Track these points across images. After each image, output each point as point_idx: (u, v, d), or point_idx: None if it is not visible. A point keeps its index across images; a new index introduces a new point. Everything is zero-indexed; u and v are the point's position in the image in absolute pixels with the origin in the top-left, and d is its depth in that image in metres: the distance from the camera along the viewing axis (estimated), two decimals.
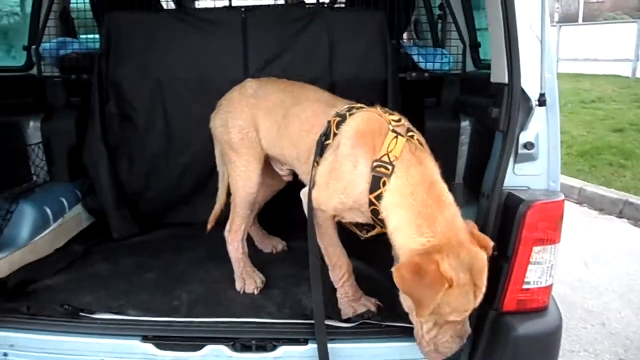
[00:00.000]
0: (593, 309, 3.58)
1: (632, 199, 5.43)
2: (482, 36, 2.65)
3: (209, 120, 2.60)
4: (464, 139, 2.62)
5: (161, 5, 2.87)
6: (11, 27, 2.90)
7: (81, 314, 1.96)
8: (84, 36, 3.07)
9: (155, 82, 2.68)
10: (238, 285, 2.21)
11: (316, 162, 1.91)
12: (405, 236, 1.65)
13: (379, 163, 1.73)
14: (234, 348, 1.84)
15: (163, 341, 1.86)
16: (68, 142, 2.76)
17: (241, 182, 2.25)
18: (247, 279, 2.22)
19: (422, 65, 2.69)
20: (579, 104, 10.15)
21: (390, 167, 1.71)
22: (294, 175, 2.39)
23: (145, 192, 2.84)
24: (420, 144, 1.80)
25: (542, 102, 1.67)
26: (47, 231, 2.51)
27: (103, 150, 2.69)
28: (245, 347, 1.84)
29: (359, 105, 1.93)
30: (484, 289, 1.59)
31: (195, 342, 1.86)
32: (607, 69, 15.22)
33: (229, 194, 2.43)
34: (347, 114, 1.90)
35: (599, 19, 25.07)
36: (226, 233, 2.30)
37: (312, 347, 1.83)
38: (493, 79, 1.83)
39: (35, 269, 2.31)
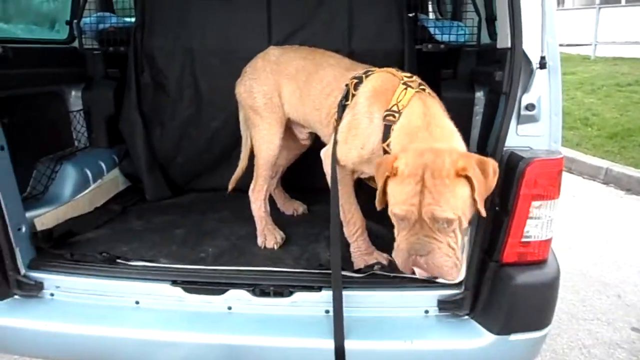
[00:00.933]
0: (610, 281, 3.63)
1: None
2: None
3: (234, 89, 2.77)
4: (478, 109, 2.70)
5: None
6: (55, 2, 3.10)
7: (118, 261, 2.18)
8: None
9: (185, 53, 2.86)
10: (259, 241, 2.38)
11: (337, 123, 2.05)
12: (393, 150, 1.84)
13: (389, 112, 1.90)
14: (254, 293, 2.01)
15: (190, 285, 2.05)
16: (107, 111, 2.98)
17: (264, 144, 2.41)
18: (268, 235, 2.38)
19: (438, 37, 2.78)
20: (615, 87, 9.91)
21: (397, 115, 1.88)
22: (314, 140, 2.55)
23: (175, 157, 3.04)
24: (431, 95, 1.94)
25: (542, 64, 1.76)
26: (87, 191, 2.74)
27: (138, 118, 2.90)
28: (264, 293, 2.01)
29: (375, 68, 2.07)
30: (437, 197, 1.62)
31: (218, 287, 2.04)
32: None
33: (250, 159, 2.60)
34: (364, 76, 2.05)
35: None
36: (250, 192, 2.48)
37: (325, 293, 1.98)
38: (499, 45, 1.93)
39: (77, 223, 2.53)
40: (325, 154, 2.15)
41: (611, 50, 14.51)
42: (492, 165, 1.71)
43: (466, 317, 1.96)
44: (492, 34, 2.74)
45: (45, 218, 2.38)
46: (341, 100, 2.09)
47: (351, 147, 2.01)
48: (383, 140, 1.90)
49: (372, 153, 1.96)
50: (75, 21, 2.91)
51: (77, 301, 2.09)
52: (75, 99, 2.94)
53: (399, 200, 1.68)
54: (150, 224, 2.63)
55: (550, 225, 1.86)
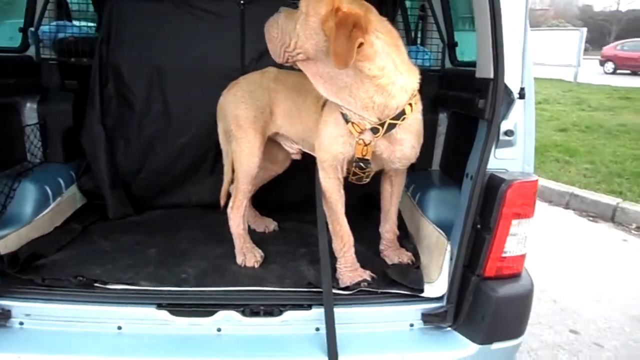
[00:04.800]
0: (546, 288, 3.95)
1: (577, 191, 5.93)
2: (458, 37, 2.91)
3: (205, 105, 2.75)
4: (441, 129, 2.88)
5: None
6: (8, 9, 2.92)
7: (95, 284, 2.09)
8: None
9: (154, 67, 2.80)
10: (239, 259, 2.37)
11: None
12: None
13: None
14: (244, 313, 2.00)
15: (177, 308, 2.01)
16: (64, 124, 2.83)
17: (245, 157, 2.41)
18: (247, 254, 2.38)
19: None
20: None
21: None
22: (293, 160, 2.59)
23: (139, 173, 2.95)
24: None
25: (522, 95, 1.93)
26: (47, 210, 2.58)
27: (101, 132, 2.79)
28: (254, 313, 2.01)
29: None
30: None
31: (207, 309, 2.01)
32: (551, 73, 16.14)
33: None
34: None
35: (542, 26, 26.32)
36: (229, 210, 2.46)
37: (315, 311, 2.02)
38: (478, 75, 2.07)
39: (41, 245, 2.38)
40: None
41: None
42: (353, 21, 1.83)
43: (449, 328, 2.08)
44: (453, 59, 2.94)
45: (9, 240, 2.23)
46: None
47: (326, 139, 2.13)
48: None
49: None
50: (31, 29, 2.75)
51: (51, 329, 1.98)
52: (29, 111, 2.77)
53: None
54: (118, 243, 2.53)
55: (525, 242, 2.03)
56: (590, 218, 5.60)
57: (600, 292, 3.96)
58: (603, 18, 46.52)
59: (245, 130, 2.40)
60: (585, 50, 21.24)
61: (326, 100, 2.14)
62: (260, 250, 2.42)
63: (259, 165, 2.45)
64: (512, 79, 1.93)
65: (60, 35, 2.81)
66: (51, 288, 2.04)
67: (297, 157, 2.57)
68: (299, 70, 2.10)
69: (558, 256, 4.53)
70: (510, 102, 1.96)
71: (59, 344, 1.93)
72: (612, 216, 5.50)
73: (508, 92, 1.94)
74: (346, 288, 2.14)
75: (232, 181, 2.60)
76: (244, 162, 2.42)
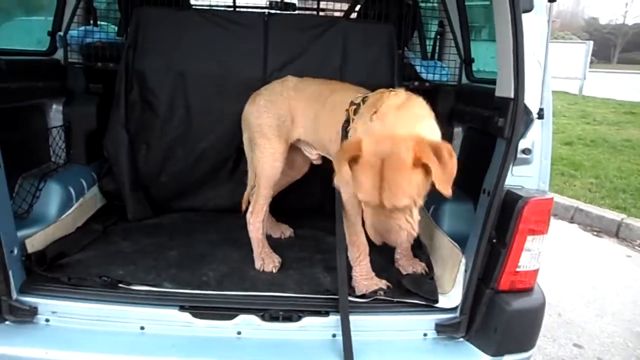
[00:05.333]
0: (551, 301, 4.00)
1: (582, 206, 5.99)
2: (475, 52, 2.98)
3: (226, 113, 2.82)
4: (456, 143, 2.94)
5: (189, 3, 3.04)
6: (37, 13, 2.99)
7: (120, 285, 2.15)
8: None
9: (178, 74, 2.86)
10: (257, 264, 2.43)
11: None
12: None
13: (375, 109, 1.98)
14: (264, 318, 2.06)
15: (199, 310, 2.07)
16: (88, 127, 2.89)
17: (268, 163, 2.47)
18: (266, 259, 2.44)
19: (423, 75, 2.99)
20: None
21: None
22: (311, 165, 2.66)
23: (159, 176, 3.01)
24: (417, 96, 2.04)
25: (541, 115, 2.00)
26: (71, 210, 2.64)
27: (124, 135, 2.86)
28: (273, 318, 2.06)
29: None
30: (395, 189, 1.73)
31: (228, 312, 2.07)
32: (557, 85, 16.18)
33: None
34: (361, 101, 2.17)
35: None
36: (248, 215, 2.52)
37: (332, 318, 2.08)
38: (498, 93, 2.14)
39: (64, 244, 2.44)
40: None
41: None
42: (446, 149, 1.80)
43: (461, 339, 2.13)
44: (469, 75, 3.00)
45: (35, 239, 2.29)
46: (344, 125, 2.20)
47: None
48: None
49: None
50: (59, 33, 2.82)
51: (76, 327, 2.04)
52: (55, 113, 2.84)
53: (360, 187, 1.80)
54: (139, 245, 2.59)
55: (539, 257, 2.09)
56: (595, 233, 5.66)
57: (604, 307, 4.01)
58: (609, 31, 46.68)
59: (268, 138, 2.47)
60: (591, 62, 21.31)
61: (353, 110, 2.19)
62: (277, 256, 2.48)
63: (281, 171, 2.51)
64: (531, 100, 2.00)
65: (88, 40, 2.88)
66: (76, 287, 2.10)
67: (318, 162, 2.63)
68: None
69: (563, 270, 4.58)
70: (529, 122, 2.02)
71: (84, 341, 1.99)
72: (616, 231, 5.55)
73: (527, 112, 2.01)
74: (362, 296, 2.19)
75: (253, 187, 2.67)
76: (266, 167, 2.48)
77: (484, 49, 3.02)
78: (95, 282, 2.13)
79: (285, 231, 2.86)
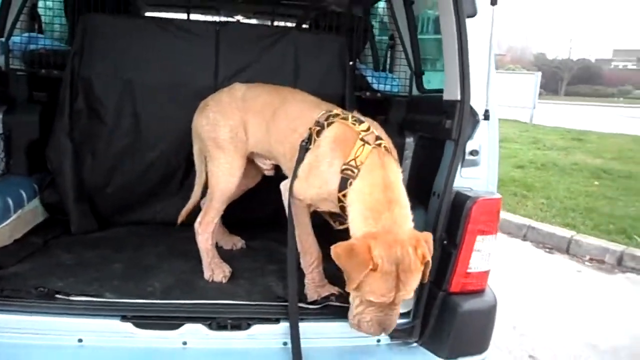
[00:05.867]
0: (505, 314, 4.03)
1: (534, 224, 6.15)
2: (424, 66, 3.05)
3: (175, 122, 2.76)
4: (408, 153, 2.97)
5: (139, 11, 2.99)
6: None
7: (57, 296, 2.02)
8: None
9: (126, 82, 2.78)
10: (207, 274, 2.34)
11: (298, 162, 2.13)
12: (356, 226, 1.93)
13: (347, 167, 1.99)
14: (211, 327, 1.97)
15: (142, 320, 1.96)
16: (29, 136, 2.76)
17: (223, 177, 2.39)
18: (216, 269, 2.36)
19: (375, 86, 3.03)
20: None
21: (355, 171, 1.97)
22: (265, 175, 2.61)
23: (105, 188, 2.88)
24: (388, 150, 2.07)
25: (486, 116, 2.04)
26: (8, 221, 2.49)
27: (68, 145, 2.74)
28: (221, 326, 1.98)
29: (335, 112, 2.17)
30: (408, 287, 1.83)
31: (173, 322, 1.98)
32: (508, 114, 16.82)
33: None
34: (326, 123, 2.13)
35: (500, 70, 27.54)
36: (197, 224, 2.43)
37: (283, 325, 2.01)
38: (446, 97, 2.18)
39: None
40: (284, 187, 2.22)
41: None
42: (431, 238, 1.92)
43: (415, 344, 2.10)
44: (420, 87, 3.06)
45: None
46: (303, 142, 2.15)
47: (310, 185, 2.11)
48: (339, 190, 2.00)
49: (329, 194, 2.06)
50: (1, 39, 2.71)
51: (8, 342, 1.89)
52: None
53: (376, 291, 1.82)
54: (82, 257, 2.46)
55: (489, 258, 2.10)
56: (547, 249, 5.80)
57: (557, 319, 4.08)
58: (556, 65, 49.22)
59: (224, 150, 2.40)
60: (540, 94, 22.30)
61: (311, 138, 2.15)
62: (228, 266, 2.40)
63: (237, 186, 2.44)
64: (477, 101, 2.04)
65: (32, 46, 2.78)
66: (9, 299, 1.96)
67: (271, 173, 2.57)
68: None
69: (517, 284, 4.64)
70: (475, 123, 2.06)
71: (17, 356, 1.86)
72: (567, 248, 5.70)
73: (474, 113, 2.05)
74: (314, 302, 2.14)
75: (197, 203, 2.61)
76: (221, 181, 2.40)
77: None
78: (31, 293, 2.00)
79: (237, 243, 2.79)
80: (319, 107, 2.26)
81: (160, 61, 2.80)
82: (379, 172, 1.97)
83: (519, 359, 3.48)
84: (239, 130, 2.42)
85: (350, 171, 1.98)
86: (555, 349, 3.64)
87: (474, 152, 2.08)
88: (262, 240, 2.85)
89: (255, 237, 2.87)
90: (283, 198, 2.22)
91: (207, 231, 2.42)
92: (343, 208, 2.01)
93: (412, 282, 1.84)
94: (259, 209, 2.90)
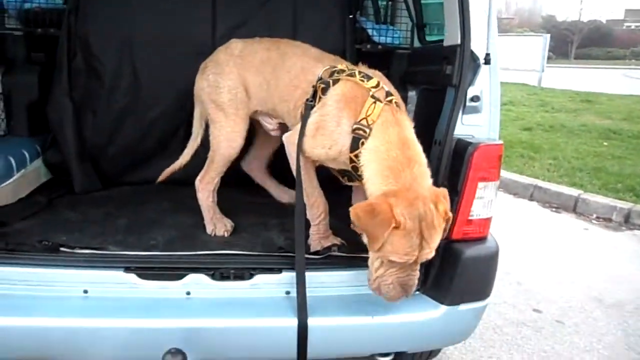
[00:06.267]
0: (511, 270, 4.05)
1: (541, 183, 6.11)
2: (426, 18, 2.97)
3: (175, 80, 2.73)
4: (410, 107, 2.92)
5: None
6: None
7: (62, 249, 2.04)
8: None
9: (124, 40, 2.76)
10: (209, 229, 2.35)
11: (303, 118, 2.07)
12: (374, 185, 1.87)
13: (358, 126, 1.92)
14: (214, 277, 1.99)
15: (145, 271, 1.99)
16: (29, 97, 2.76)
17: (225, 142, 2.36)
18: (218, 223, 2.36)
19: (375, 38, 2.98)
20: None
21: (367, 130, 1.91)
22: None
23: (107, 147, 2.89)
24: (398, 106, 1.99)
25: (487, 60, 2.00)
26: (11, 180, 2.52)
27: (69, 104, 2.73)
28: (224, 276, 2.00)
29: (340, 68, 2.10)
30: (432, 244, 1.78)
31: (176, 272, 2.00)
32: (516, 78, 16.57)
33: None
34: (331, 80, 2.05)
35: (507, 34, 27.02)
36: (197, 182, 2.43)
37: (285, 275, 2.02)
38: (446, 43, 2.13)
39: (2, 213, 2.32)
40: (288, 140, 2.18)
41: None
42: (447, 194, 1.88)
43: (417, 292, 2.11)
44: (422, 39, 3.00)
45: None
46: (308, 100, 2.08)
47: (318, 144, 2.05)
48: (351, 150, 1.95)
49: (339, 154, 2.01)
50: None
51: (15, 293, 1.92)
52: None
53: (399, 250, 1.77)
54: (86, 214, 2.48)
55: (491, 205, 2.09)
56: (554, 209, 5.78)
57: (562, 275, 4.09)
58: (565, 27, 48.14)
59: (226, 114, 2.35)
60: (549, 58, 21.88)
61: (316, 95, 2.09)
62: (230, 221, 2.41)
63: (239, 149, 2.40)
64: (478, 45, 2.00)
65: (27, 5, 2.75)
66: (15, 252, 1.99)
67: (277, 133, 2.47)
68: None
69: (523, 243, 4.66)
70: (476, 68, 2.02)
71: (23, 306, 1.89)
72: (574, 207, 5.68)
73: (474, 57, 2.01)
74: (317, 253, 2.15)
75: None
76: (222, 146, 2.37)
77: None
78: (36, 246, 2.03)
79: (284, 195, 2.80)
80: (322, 62, 2.19)
81: (157, 17, 2.76)
82: (394, 129, 1.92)
83: (523, 312, 3.50)
84: (238, 90, 2.36)
85: (362, 131, 1.92)
86: (560, 302, 3.66)
87: (475, 98, 2.05)
88: (264, 197, 2.86)
89: (259, 193, 2.88)
90: (287, 151, 2.19)
91: (207, 189, 2.42)
92: (355, 168, 1.97)
93: (436, 239, 1.80)
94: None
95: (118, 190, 2.87)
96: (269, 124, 2.50)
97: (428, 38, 2.97)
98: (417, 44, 2.96)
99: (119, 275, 1.97)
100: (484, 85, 2.06)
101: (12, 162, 2.54)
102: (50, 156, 2.86)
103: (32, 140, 2.82)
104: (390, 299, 1.88)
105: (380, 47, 2.97)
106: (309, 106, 2.08)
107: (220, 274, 2.00)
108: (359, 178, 1.98)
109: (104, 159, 2.91)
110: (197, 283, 1.99)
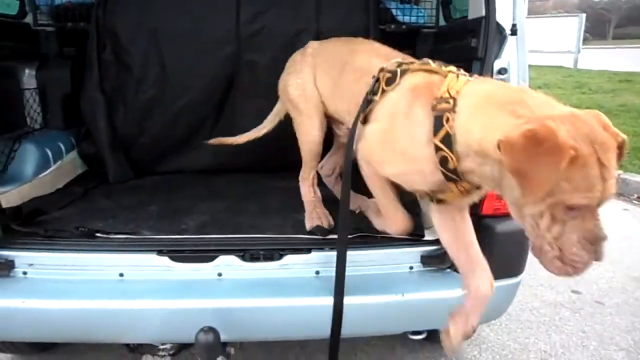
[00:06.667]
0: None
1: None
2: None
3: (201, 69, 2.77)
4: None
5: None
6: None
7: (97, 234, 2.11)
8: None
9: (151, 30, 2.81)
10: (308, 226, 2.24)
11: (362, 117, 1.86)
12: (496, 129, 1.37)
13: (438, 100, 1.55)
14: (244, 258, 2.02)
15: (177, 254, 2.03)
16: (63, 91, 2.85)
17: (304, 136, 2.36)
18: (320, 218, 2.27)
19: (399, 18, 2.94)
20: None
21: (451, 101, 1.53)
22: None
23: (138, 138, 2.96)
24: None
25: (514, 31, 1.95)
26: (48, 171, 2.61)
27: (100, 97, 2.81)
28: (254, 258, 2.03)
29: (409, 60, 1.89)
30: (612, 171, 1.30)
31: (207, 254, 2.03)
32: (551, 60, 16.11)
33: None
34: (398, 70, 1.77)
35: (541, 16, 26.26)
36: (300, 178, 2.47)
37: (315, 255, 2.04)
38: (471, 16, 2.09)
39: (42, 202, 2.41)
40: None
41: None
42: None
43: (448, 270, 2.09)
44: (447, 17, 2.95)
45: (11, 195, 2.26)
46: (368, 94, 1.83)
47: (389, 153, 1.76)
48: (434, 135, 1.55)
49: (415, 156, 1.64)
50: None
51: (55, 277, 1.99)
52: (28, 77, 2.79)
53: (581, 187, 1.28)
54: (120, 203, 2.54)
55: None
56: None
57: None
58: (602, 7, 46.45)
59: (299, 110, 2.35)
60: (585, 39, 21.16)
61: (378, 87, 1.82)
62: (331, 217, 2.28)
63: (320, 142, 2.36)
64: (503, 16, 1.95)
65: (57, 1, 2.83)
66: (53, 238, 2.06)
67: (345, 140, 2.27)
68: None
69: None
70: (502, 40, 1.97)
71: (62, 290, 1.95)
72: None
73: (500, 29, 1.96)
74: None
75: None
76: (303, 140, 2.37)
77: None
78: (73, 233, 2.10)
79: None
80: (389, 60, 1.91)
81: (182, 7, 2.80)
82: (487, 84, 1.60)
83: (562, 293, 3.43)
84: (306, 87, 2.31)
85: (446, 102, 1.54)
86: (600, 283, 3.56)
87: (502, 71, 2.00)
88: (295, 182, 2.86)
89: (289, 178, 2.89)
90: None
91: (305, 185, 2.45)
92: (445, 160, 1.56)
93: (614, 166, 1.32)
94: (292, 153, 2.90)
95: (151, 179, 2.94)
96: (339, 130, 2.44)
97: (453, 15, 2.92)
98: (442, 22, 2.91)
99: (152, 258, 2.01)
100: (512, 57, 2.01)
101: (49, 154, 2.64)
102: (84, 147, 2.95)
103: (67, 132, 2.91)
104: (580, 269, 1.40)
105: (404, 27, 2.93)
106: (366, 101, 1.84)
107: (250, 255, 2.03)
108: (453, 177, 1.59)
109: (135, 149, 2.98)
110: (228, 264, 2.02)
